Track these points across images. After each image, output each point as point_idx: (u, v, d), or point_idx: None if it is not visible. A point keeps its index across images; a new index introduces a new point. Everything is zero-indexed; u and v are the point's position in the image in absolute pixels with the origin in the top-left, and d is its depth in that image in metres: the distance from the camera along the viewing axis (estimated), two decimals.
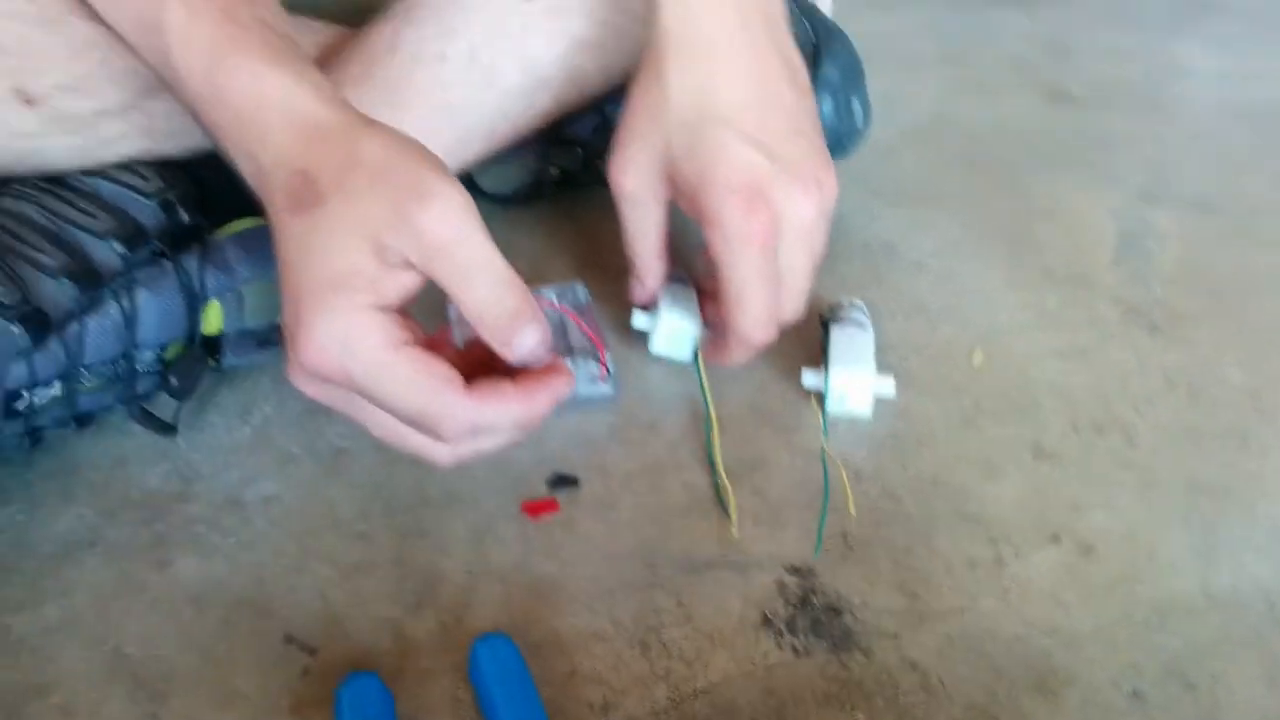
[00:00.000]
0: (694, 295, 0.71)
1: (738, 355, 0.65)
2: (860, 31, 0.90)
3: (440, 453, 0.52)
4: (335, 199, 0.47)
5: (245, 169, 0.53)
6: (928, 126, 1.06)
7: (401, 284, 0.48)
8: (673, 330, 0.70)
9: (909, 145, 1.01)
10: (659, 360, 0.71)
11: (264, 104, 0.51)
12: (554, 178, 0.88)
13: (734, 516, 0.62)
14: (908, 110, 1.07)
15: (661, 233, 0.66)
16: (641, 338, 0.72)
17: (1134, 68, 1.20)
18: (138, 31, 0.57)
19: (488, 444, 0.53)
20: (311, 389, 0.51)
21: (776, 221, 0.58)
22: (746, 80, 0.59)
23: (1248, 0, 1.38)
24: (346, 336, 0.47)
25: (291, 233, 0.49)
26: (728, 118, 0.58)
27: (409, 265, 0.48)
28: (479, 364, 0.54)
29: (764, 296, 0.60)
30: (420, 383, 0.48)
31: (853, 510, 0.62)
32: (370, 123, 0.51)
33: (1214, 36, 1.28)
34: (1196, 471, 0.66)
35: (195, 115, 0.55)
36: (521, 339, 0.50)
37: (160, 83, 0.58)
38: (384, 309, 0.48)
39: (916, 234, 0.88)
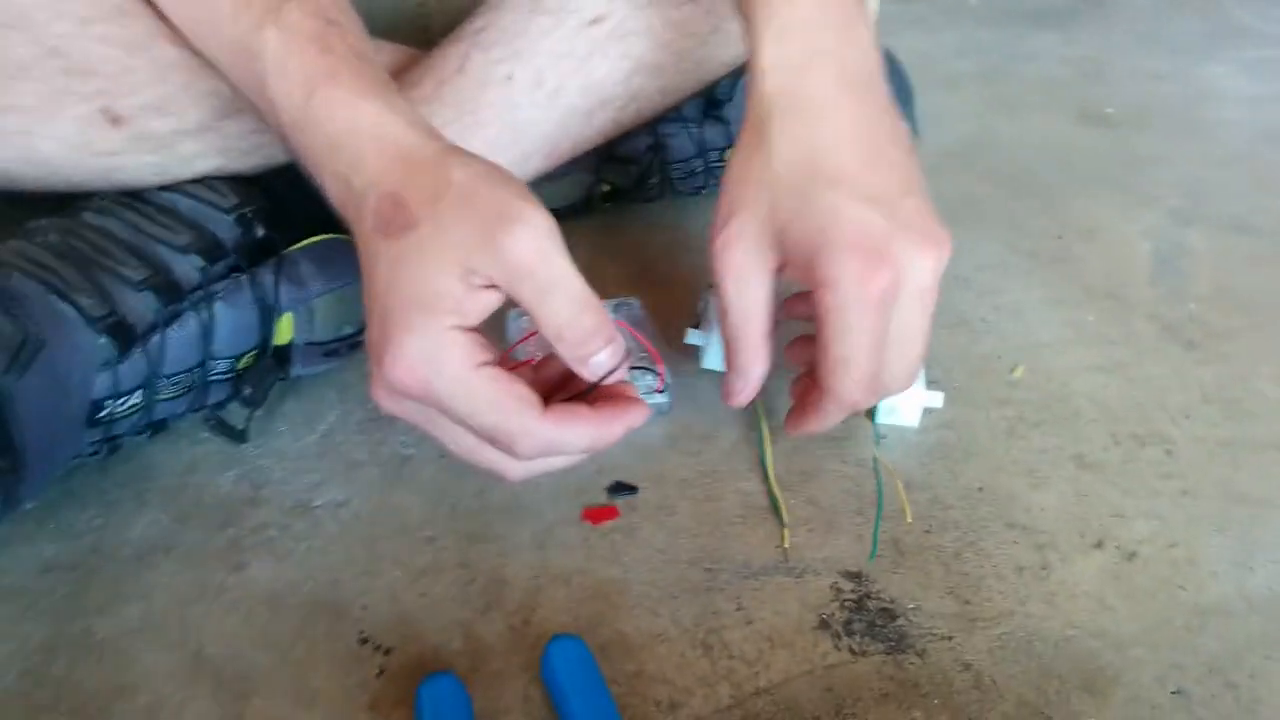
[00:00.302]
0: None
1: (831, 419, 0.60)
2: (900, 51, 0.93)
3: (512, 469, 0.54)
4: (426, 223, 0.50)
5: (334, 192, 0.55)
6: (967, 145, 1.09)
7: (484, 304, 0.50)
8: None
9: (950, 163, 1.03)
10: (711, 373, 0.73)
11: (357, 131, 0.53)
12: (605, 194, 0.90)
13: (786, 525, 0.64)
14: (948, 129, 1.09)
15: (769, 311, 0.60)
16: (693, 350, 0.74)
17: (1168, 90, 1.22)
18: (232, 57, 0.59)
19: (558, 463, 0.55)
20: (392, 405, 0.53)
21: (897, 281, 0.55)
22: (855, 140, 0.57)
23: (1278, 27, 1.40)
24: (432, 355, 0.49)
25: (382, 254, 0.51)
26: (839, 179, 0.55)
27: (492, 286, 0.50)
28: (551, 383, 0.56)
29: (873, 359, 0.56)
30: (501, 402, 0.50)
31: (909, 517, 0.64)
32: (458, 150, 0.53)
33: (1246, 61, 1.30)
34: (1233, 482, 0.68)
35: (286, 139, 0.57)
36: (599, 357, 0.52)
37: (250, 106, 0.60)
38: (467, 329, 0.50)
39: (959, 250, 0.88)
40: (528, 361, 0.58)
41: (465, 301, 0.49)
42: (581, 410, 0.52)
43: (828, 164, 0.56)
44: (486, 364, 0.50)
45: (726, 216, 0.58)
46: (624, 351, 0.53)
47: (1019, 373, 0.76)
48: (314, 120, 0.54)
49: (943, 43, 1.36)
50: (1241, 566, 0.62)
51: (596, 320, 0.51)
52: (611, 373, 0.53)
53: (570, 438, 0.52)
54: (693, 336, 0.73)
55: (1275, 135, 1.11)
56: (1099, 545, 0.63)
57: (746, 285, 0.58)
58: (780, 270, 0.58)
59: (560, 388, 0.57)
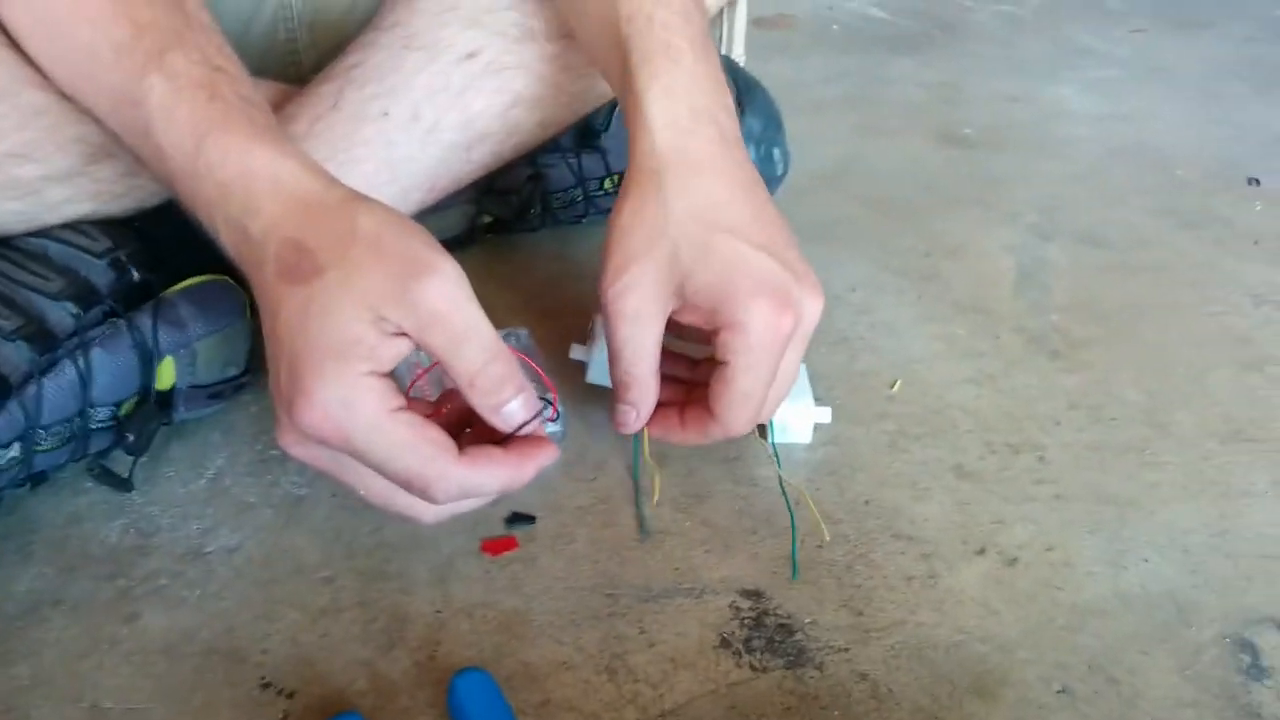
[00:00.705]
0: None
1: (706, 440, 0.63)
2: (767, 77, 0.96)
3: (425, 513, 0.55)
4: (334, 271, 0.49)
5: (227, 238, 0.54)
6: (836, 168, 1.12)
7: (396, 350, 0.50)
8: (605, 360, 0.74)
9: (820, 185, 1.06)
10: (601, 399, 0.74)
11: (252, 176, 0.52)
12: (487, 225, 0.91)
13: (656, 495, 0.68)
14: (817, 153, 1.12)
15: (658, 350, 0.61)
16: (576, 375, 0.75)
17: (1020, 111, 1.28)
18: (112, 104, 0.58)
19: (470, 504, 0.55)
20: (301, 451, 0.52)
21: (797, 324, 0.59)
22: (742, 196, 0.60)
23: (1119, 48, 1.48)
24: (347, 402, 0.49)
25: (286, 301, 0.50)
26: (735, 229, 0.58)
27: (403, 334, 0.50)
28: (453, 423, 0.56)
29: (765, 395, 0.60)
30: (417, 448, 0.50)
31: (826, 536, 0.66)
32: (360, 196, 0.53)
33: (1090, 81, 1.37)
34: (1102, 484, 0.72)
35: (173, 185, 0.56)
36: (510, 406, 0.53)
37: (129, 152, 0.59)
38: (379, 375, 0.50)
39: (832, 270, 0.93)
40: (426, 400, 0.58)
41: (377, 348, 0.49)
42: (495, 453, 0.53)
43: (724, 217, 0.59)
44: (400, 409, 0.50)
45: (623, 264, 0.59)
46: (535, 401, 0.54)
47: (897, 387, 0.79)
48: (206, 167, 0.53)
49: (808, 68, 1.40)
50: (1114, 566, 0.65)
51: (507, 369, 0.52)
52: (526, 424, 0.53)
53: (485, 480, 0.52)
54: (576, 352, 0.74)
55: (1121, 151, 1.18)
56: (981, 552, 0.66)
57: (643, 329, 0.59)
58: (676, 314, 0.60)
59: (460, 426, 0.57)
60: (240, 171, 0.53)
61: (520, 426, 0.53)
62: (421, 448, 0.50)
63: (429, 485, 0.51)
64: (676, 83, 0.60)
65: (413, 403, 0.53)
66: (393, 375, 0.51)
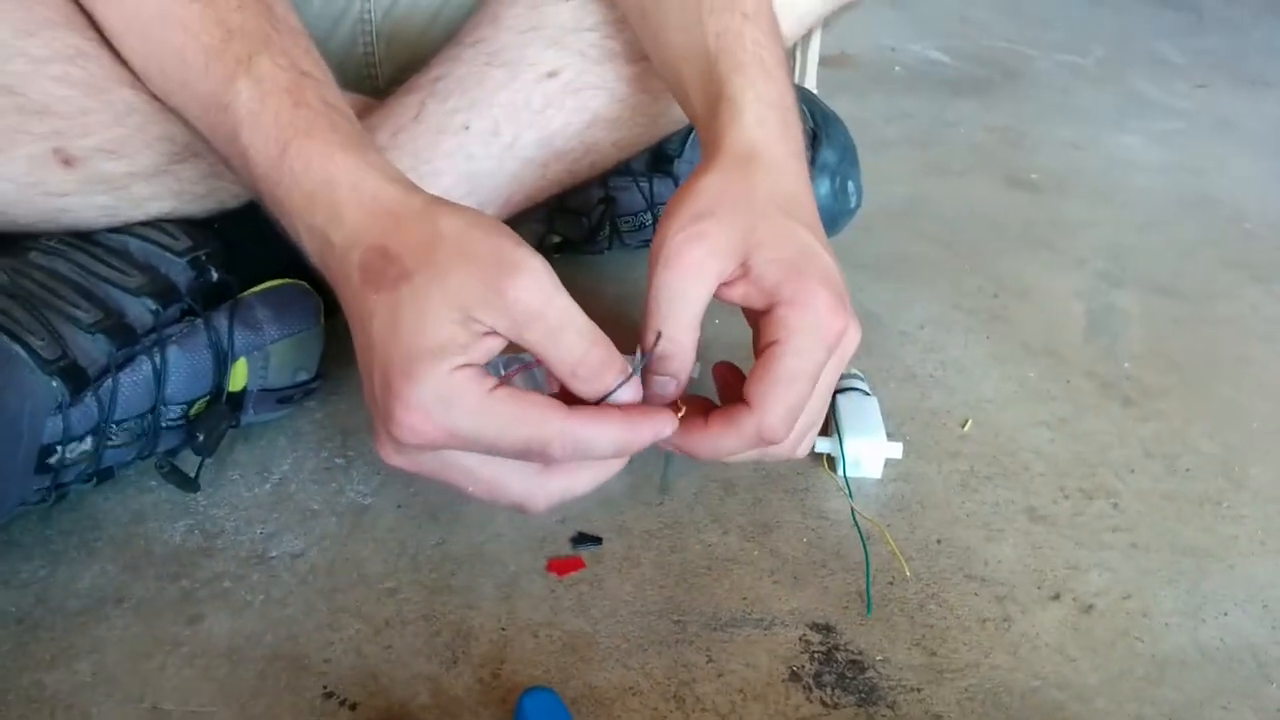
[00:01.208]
0: None
1: (733, 443, 0.56)
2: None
3: (536, 499, 0.53)
4: (421, 275, 0.49)
5: (311, 246, 0.54)
6: (902, 206, 1.12)
7: (487, 349, 0.49)
8: None
9: (886, 224, 1.06)
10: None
11: (334, 184, 0.52)
12: (555, 244, 0.91)
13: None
14: (883, 191, 1.12)
15: (702, 315, 0.56)
16: None
17: (1085, 158, 1.27)
18: (204, 110, 0.58)
19: (582, 485, 0.54)
20: (402, 460, 0.52)
21: (845, 336, 0.55)
22: (813, 208, 0.59)
23: (1182, 101, 1.47)
24: (444, 395, 0.48)
25: (374, 308, 0.50)
26: (811, 228, 0.57)
27: (493, 333, 0.49)
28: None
29: (806, 394, 0.55)
30: (527, 414, 0.49)
31: (906, 571, 0.65)
32: (441, 200, 0.52)
33: (1155, 132, 1.36)
34: (1179, 535, 0.70)
35: (258, 191, 0.56)
36: (616, 390, 0.51)
37: (220, 157, 0.59)
38: (471, 366, 0.49)
39: (901, 307, 0.92)
40: (528, 365, 0.57)
41: (469, 346, 0.48)
42: (610, 411, 0.51)
43: (802, 215, 0.57)
44: (499, 387, 0.49)
45: (699, 214, 0.55)
46: (639, 383, 0.52)
47: (968, 427, 0.78)
48: (289, 174, 0.53)
49: (870, 108, 1.39)
50: (1193, 618, 0.64)
51: (607, 353, 0.51)
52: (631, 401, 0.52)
53: (601, 437, 0.50)
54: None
55: (1188, 202, 1.16)
56: (1056, 597, 0.64)
57: (699, 285, 0.55)
58: (727, 285, 0.56)
59: None
60: (323, 179, 0.53)
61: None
62: (531, 413, 0.49)
63: (547, 445, 0.49)
64: (770, 92, 0.60)
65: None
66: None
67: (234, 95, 0.56)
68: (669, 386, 0.56)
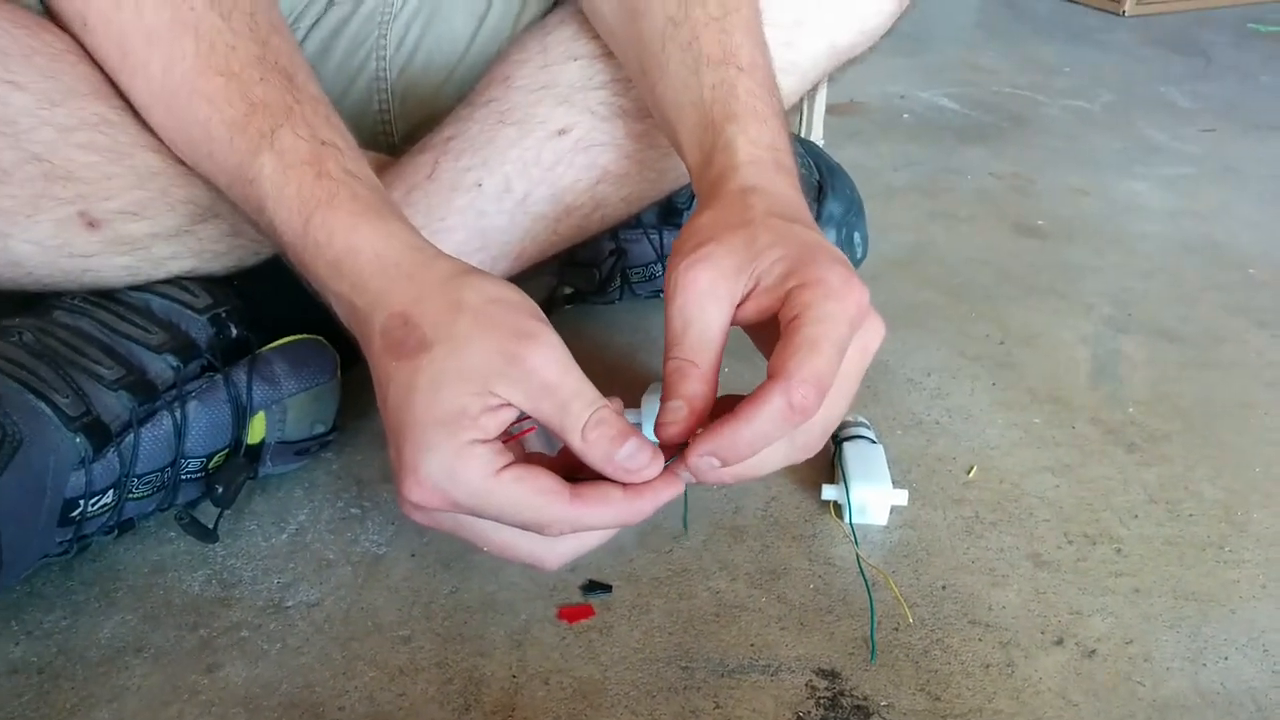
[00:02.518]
0: None
1: (770, 408, 0.51)
2: (841, 162, 0.97)
3: (549, 561, 0.55)
4: (441, 346, 0.50)
5: (341, 312, 0.56)
6: (909, 253, 1.13)
7: (501, 420, 0.50)
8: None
9: (893, 271, 1.07)
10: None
11: (356, 252, 0.54)
12: (567, 296, 0.92)
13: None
14: (890, 238, 1.14)
15: (723, 341, 0.55)
16: None
17: (1092, 204, 1.28)
18: (232, 182, 0.60)
19: (592, 542, 0.55)
20: (422, 518, 0.53)
21: (864, 314, 0.54)
22: (809, 214, 0.60)
23: (1189, 146, 1.49)
24: (450, 472, 0.49)
25: (394, 376, 0.51)
26: (811, 228, 0.57)
27: (508, 404, 0.50)
28: (575, 463, 0.56)
29: (832, 359, 0.52)
30: (528, 501, 0.50)
31: (910, 617, 0.66)
32: (465, 268, 0.54)
33: (1162, 178, 1.37)
34: (1181, 580, 0.71)
35: (289, 259, 0.58)
36: (621, 455, 0.51)
37: (252, 225, 0.61)
38: (483, 441, 0.50)
39: (907, 355, 0.93)
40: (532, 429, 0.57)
41: (482, 418, 0.49)
42: (611, 492, 0.52)
43: (801, 218, 0.58)
44: (507, 467, 0.50)
45: (700, 242, 0.55)
46: (649, 444, 0.53)
47: (973, 473, 0.79)
48: (314, 245, 0.55)
49: (879, 155, 1.41)
50: (1194, 662, 0.64)
51: (619, 427, 0.52)
52: (642, 466, 0.52)
53: (599, 518, 0.52)
54: (629, 416, 0.75)
55: (1193, 248, 1.18)
56: (1060, 643, 0.65)
57: (712, 309, 0.54)
58: (740, 306, 0.55)
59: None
60: (346, 249, 0.54)
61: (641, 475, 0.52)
62: (532, 500, 0.50)
63: (546, 528, 0.51)
64: (763, 136, 0.61)
65: (531, 455, 0.54)
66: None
67: (258, 169, 0.58)
68: (678, 412, 0.54)
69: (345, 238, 0.55)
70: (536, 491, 0.50)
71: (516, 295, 0.53)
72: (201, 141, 0.61)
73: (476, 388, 0.49)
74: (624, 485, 0.52)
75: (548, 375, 0.50)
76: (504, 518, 0.51)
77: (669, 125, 0.68)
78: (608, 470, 0.52)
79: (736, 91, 0.64)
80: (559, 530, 0.51)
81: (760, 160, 0.61)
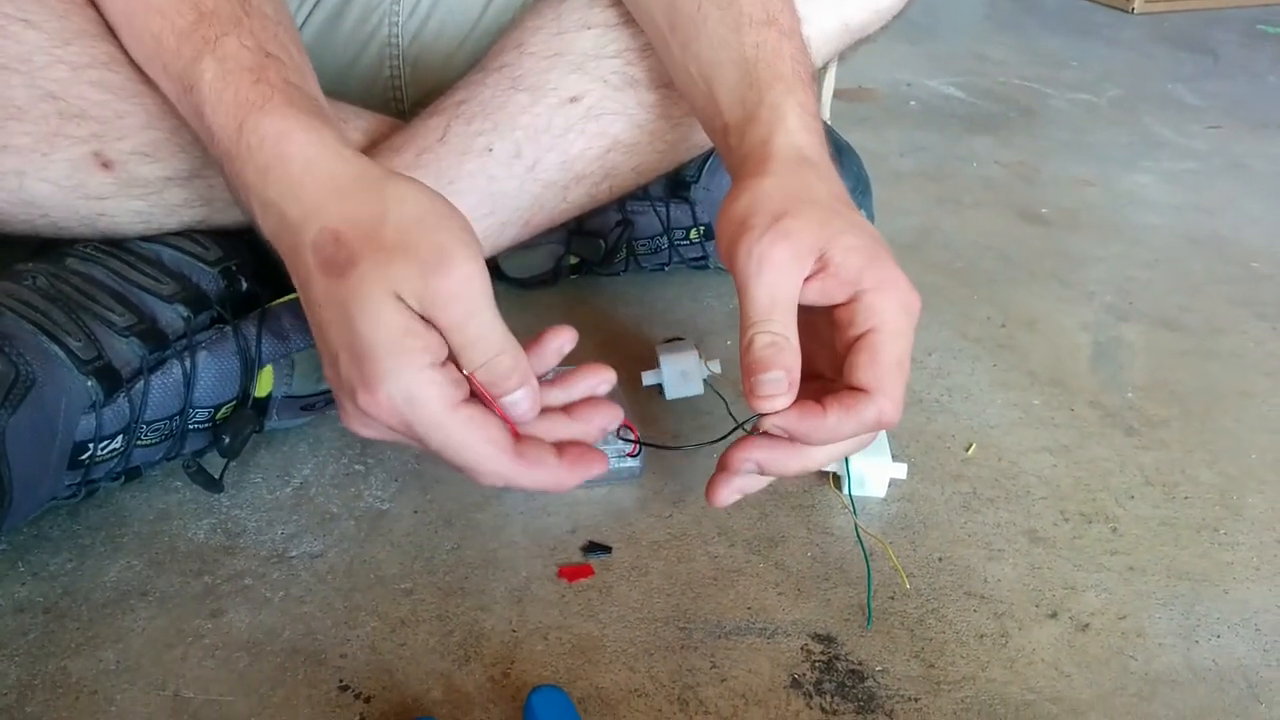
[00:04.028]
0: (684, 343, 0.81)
1: (863, 420, 0.57)
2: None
3: (485, 480, 0.56)
4: (366, 263, 0.52)
5: (265, 223, 0.56)
6: (914, 236, 1.14)
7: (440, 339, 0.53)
8: (679, 372, 0.79)
9: (898, 253, 1.04)
10: (680, 440, 0.75)
11: (288, 159, 0.55)
12: (573, 266, 0.93)
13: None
14: (896, 221, 1.14)
15: (795, 308, 0.57)
16: (652, 413, 0.76)
17: (1096, 195, 1.29)
18: (178, 91, 0.61)
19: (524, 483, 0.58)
20: (368, 432, 0.55)
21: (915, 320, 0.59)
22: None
23: (1195, 142, 1.49)
24: (410, 395, 0.51)
25: (328, 294, 0.52)
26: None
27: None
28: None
29: (908, 371, 0.58)
30: (474, 445, 0.53)
31: (906, 584, 0.67)
32: (398, 177, 0.55)
33: (1167, 172, 1.38)
34: (1176, 559, 0.71)
35: (223, 171, 0.59)
36: (513, 396, 0.55)
37: (197, 139, 0.62)
38: (439, 366, 0.52)
39: None
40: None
41: (427, 335, 0.51)
42: (548, 459, 0.55)
43: (856, 212, 0.60)
44: (462, 402, 0.52)
45: (776, 215, 0.56)
46: (537, 398, 0.56)
47: (972, 450, 0.80)
48: (246, 149, 0.56)
49: (885, 141, 1.42)
50: (1186, 639, 0.65)
51: (514, 362, 0.54)
52: (525, 414, 0.56)
53: (531, 480, 0.55)
54: (649, 378, 0.77)
55: (1197, 240, 1.18)
56: (1054, 616, 0.66)
57: (794, 281, 0.56)
58: (805, 281, 0.57)
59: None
60: (278, 155, 0.55)
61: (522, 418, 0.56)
62: (479, 447, 0.53)
63: (476, 477, 0.54)
64: (809, 103, 0.63)
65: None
66: None
67: (199, 74, 0.58)
68: (779, 384, 0.56)
69: (276, 144, 0.55)
70: (485, 440, 0.53)
71: (445, 207, 0.55)
72: (155, 55, 0.62)
73: (401, 303, 0.51)
74: (560, 452, 0.56)
75: (451, 297, 0.52)
76: (445, 452, 0.53)
77: (702, 83, 0.69)
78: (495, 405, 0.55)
79: (782, 54, 0.65)
80: (490, 481, 0.54)
81: (810, 128, 0.63)
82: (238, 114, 0.56)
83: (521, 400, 0.55)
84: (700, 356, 0.81)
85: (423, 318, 0.52)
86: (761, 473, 0.60)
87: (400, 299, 0.51)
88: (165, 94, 0.65)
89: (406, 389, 0.51)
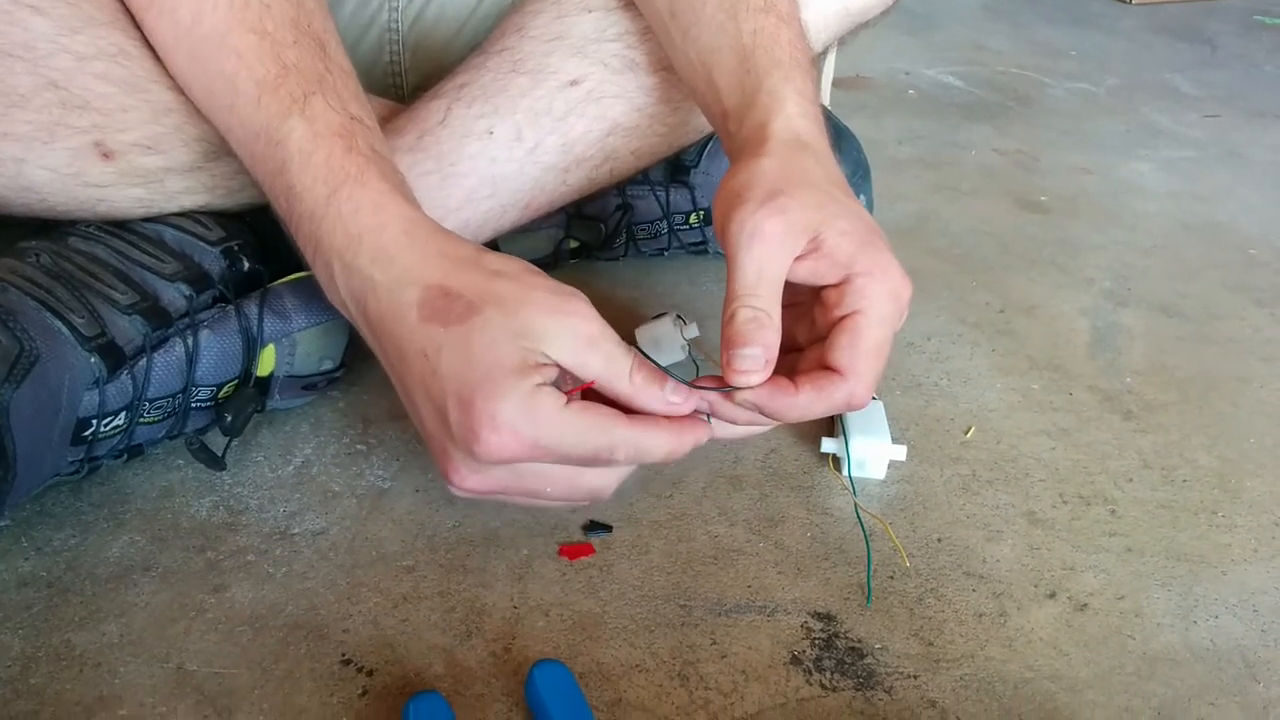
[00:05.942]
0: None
1: (833, 401, 0.57)
2: None
3: (607, 489, 0.59)
4: (491, 308, 0.53)
5: (347, 283, 0.57)
6: (913, 223, 1.14)
7: (548, 375, 0.54)
8: (651, 339, 0.82)
9: (896, 239, 1.06)
10: None
11: (385, 228, 0.56)
12: (572, 249, 0.93)
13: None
14: (895, 207, 1.15)
15: (783, 284, 0.58)
16: None
17: (1095, 183, 1.29)
18: (251, 139, 0.61)
19: (627, 471, 0.60)
20: (478, 481, 0.56)
21: (907, 304, 0.59)
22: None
23: (1192, 130, 1.50)
24: (528, 409, 0.52)
25: (443, 341, 0.53)
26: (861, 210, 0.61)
27: (550, 362, 0.54)
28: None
29: (887, 357, 0.59)
30: (599, 424, 0.54)
31: (906, 561, 0.68)
32: (486, 250, 0.57)
33: (1165, 160, 1.38)
34: (1174, 541, 0.72)
35: (293, 225, 0.60)
36: (675, 395, 0.56)
37: (257, 182, 0.63)
38: (546, 385, 0.53)
39: (908, 319, 0.92)
40: (587, 385, 0.58)
41: (542, 369, 0.53)
42: (660, 419, 0.56)
43: (852, 197, 0.61)
44: (569, 403, 0.53)
45: (771, 193, 0.57)
46: (684, 386, 0.57)
47: (971, 433, 0.80)
48: (334, 215, 0.57)
49: (884, 128, 1.42)
50: (1184, 619, 0.65)
51: (651, 369, 0.56)
52: (682, 403, 0.57)
53: (655, 441, 0.55)
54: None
55: (1194, 228, 1.19)
56: (1052, 596, 0.66)
57: (784, 257, 0.57)
58: (796, 261, 0.58)
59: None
60: (375, 224, 0.56)
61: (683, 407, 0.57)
62: (601, 422, 0.54)
63: (614, 451, 0.54)
64: (807, 88, 0.64)
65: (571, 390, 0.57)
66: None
67: (287, 132, 0.59)
68: (756, 360, 0.56)
69: (373, 214, 0.57)
70: (601, 416, 0.54)
71: (533, 267, 0.57)
72: (224, 94, 0.62)
73: (529, 344, 0.52)
74: (665, 419, 0.57)
75: (590, 330, 0.54)
76: (576, 449, 0.54)
77: (700, 68, 0.69)
78: (656, 407, 0.56)
79: (780, 39, 0.66)
80: (624, 453, 0.54)
81: (808, 114, 0.63)
82: (329, 180, 0.57)
83: (677, 390, 0.57)
84: (675, 321, 0.81)
85: (544, 363, 0.54)
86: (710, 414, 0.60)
87: (525, 340, 0.53)
88: (219, 127, 0.65)
89: (523, 405, 0.52)
